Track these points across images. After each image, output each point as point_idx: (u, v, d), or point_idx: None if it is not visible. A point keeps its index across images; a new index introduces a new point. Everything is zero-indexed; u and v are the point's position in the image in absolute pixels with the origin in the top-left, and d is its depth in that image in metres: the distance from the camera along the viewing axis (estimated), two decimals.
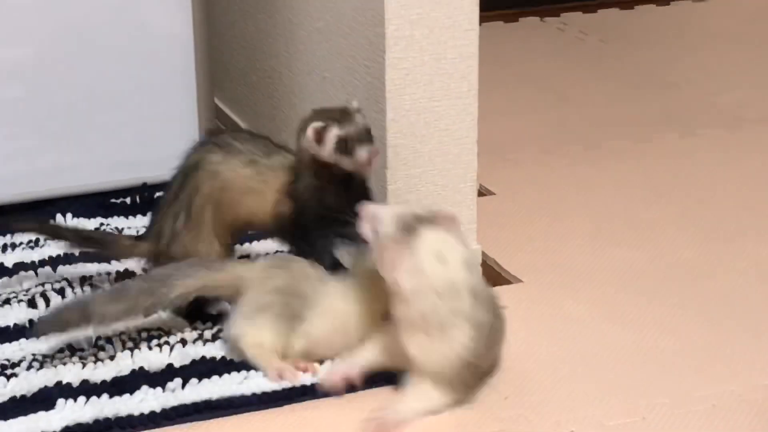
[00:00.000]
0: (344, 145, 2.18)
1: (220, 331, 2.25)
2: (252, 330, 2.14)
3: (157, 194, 2.73)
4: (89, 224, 2.63)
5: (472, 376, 2.05)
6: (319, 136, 2.19)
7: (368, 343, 2.11)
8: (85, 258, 2.49)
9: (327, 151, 2.19)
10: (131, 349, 2.21)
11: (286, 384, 2.10)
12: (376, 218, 2.03)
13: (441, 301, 1.99)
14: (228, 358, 2.18)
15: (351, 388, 2.10)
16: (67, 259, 2.50)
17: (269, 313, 2.13)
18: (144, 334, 2.25)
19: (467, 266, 2.03)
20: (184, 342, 2.22)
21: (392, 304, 2.02)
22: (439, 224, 2.02)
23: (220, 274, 2.17)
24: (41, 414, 2.04)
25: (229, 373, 2.14)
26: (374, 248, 2.03)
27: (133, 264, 2.41)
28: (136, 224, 2.64)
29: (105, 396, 2.08)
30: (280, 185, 2.24)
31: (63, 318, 2.15)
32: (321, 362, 2.16)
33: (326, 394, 2.10)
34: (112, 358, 2.18)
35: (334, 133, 2.19)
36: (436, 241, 2.00)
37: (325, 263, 2.20)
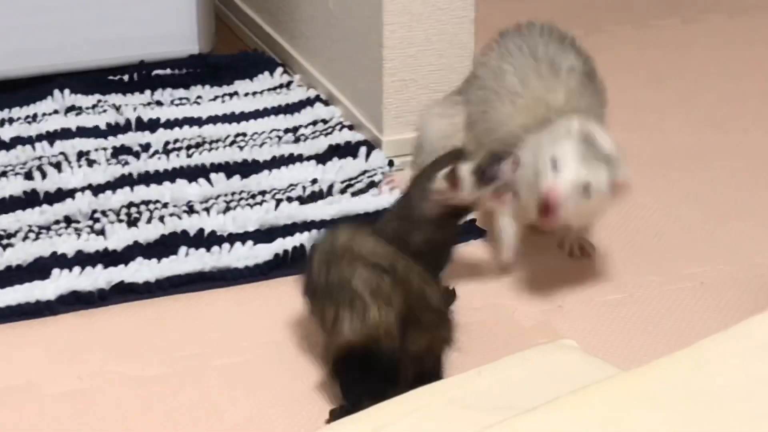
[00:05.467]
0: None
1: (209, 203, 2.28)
2: None
3: (155, 72, 2.75)
4: (87, 101, 2.63)
5: None
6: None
7: None
8: (83, 133, 2.51)
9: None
10: (127, 222, 2.23)
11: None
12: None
13: None
14: (222, 232, 2.20)
15: None
16: (64, 134, 2.51)
17: None
18: (141, 207, 2.27)
19: None
20: (178, 215, 2.25)
21: None
22: None
23: None
24: (36, 283, 2.07)
25: (220, 245, 2.16)
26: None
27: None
28: (133, 101, 2.64)
29: (99, 266, 2.10)
30: None
31: None
32: None
33: None
34: (107, 230, 2.21)
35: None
36: None
37: None
